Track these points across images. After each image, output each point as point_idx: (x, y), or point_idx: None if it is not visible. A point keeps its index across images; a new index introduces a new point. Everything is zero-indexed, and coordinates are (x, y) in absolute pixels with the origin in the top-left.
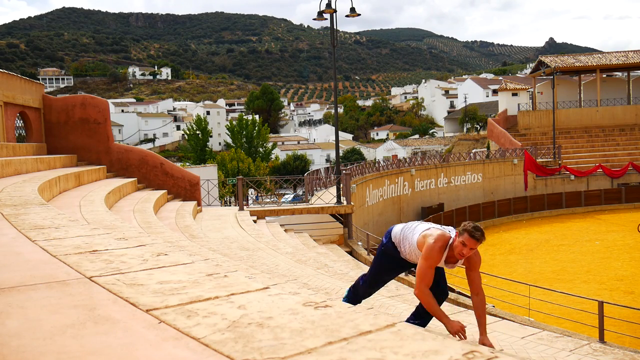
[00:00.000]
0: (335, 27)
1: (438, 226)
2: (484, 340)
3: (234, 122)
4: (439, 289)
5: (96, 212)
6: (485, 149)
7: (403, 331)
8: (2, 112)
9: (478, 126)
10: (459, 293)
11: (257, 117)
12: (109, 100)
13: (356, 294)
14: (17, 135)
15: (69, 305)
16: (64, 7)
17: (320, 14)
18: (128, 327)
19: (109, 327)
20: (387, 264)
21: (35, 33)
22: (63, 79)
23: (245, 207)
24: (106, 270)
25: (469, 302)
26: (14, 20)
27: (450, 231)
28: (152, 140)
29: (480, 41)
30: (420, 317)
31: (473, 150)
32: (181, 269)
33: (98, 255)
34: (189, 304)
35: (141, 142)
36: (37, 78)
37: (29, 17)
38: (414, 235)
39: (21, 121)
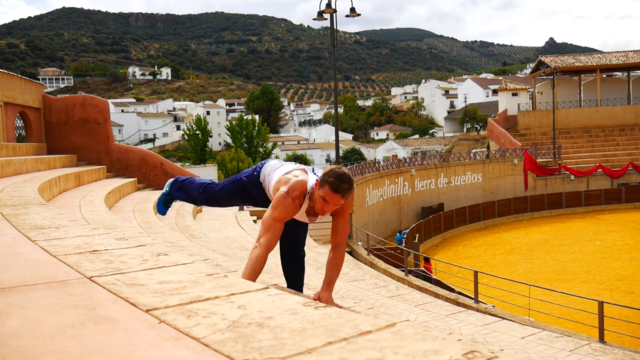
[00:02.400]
0: (335, 27)
1: (302, 168)
2: (321, 296)
3: (234, 122)
4: (292, 255)
5: (96, 212)
6: (485, 149)
7: (403, 331)
8: (2, 112)
9: (478, 126)
10: (459, 293)
11: (256, 117)
12: (109, 100)
13: (186, 194)
14: (17, 135)
15: (69, 305)
16: (64, 7)
17: (320, 14)
18: (128, 327)
19: (109, 327)
20: (244, 194)
21: (35, 33)
22: (63, 79)
23: (245, 207)
24: (106, 270)
25: (469, 302)
26: (14, 20)
27: (317, 173)
28: (152, 140)
29: (480, 41)
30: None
31: (473, 150)
32: (181, 269)
33: (98, 255)
34: (189, 304)
35: (141, 142)
36: (37, 78)
37: (29, 17)
38: (272, 178)
39: (21, 121)
